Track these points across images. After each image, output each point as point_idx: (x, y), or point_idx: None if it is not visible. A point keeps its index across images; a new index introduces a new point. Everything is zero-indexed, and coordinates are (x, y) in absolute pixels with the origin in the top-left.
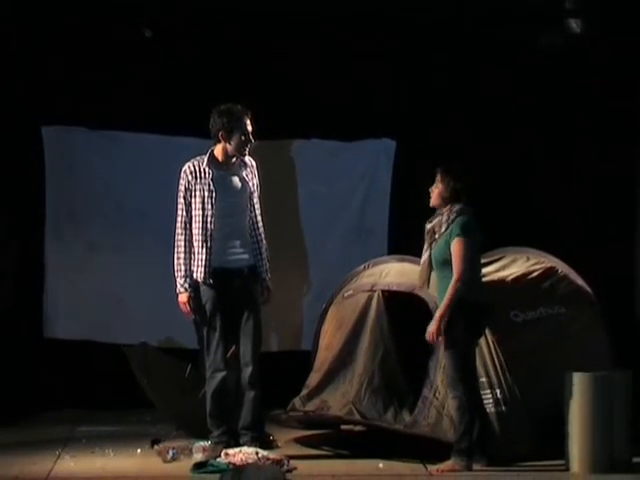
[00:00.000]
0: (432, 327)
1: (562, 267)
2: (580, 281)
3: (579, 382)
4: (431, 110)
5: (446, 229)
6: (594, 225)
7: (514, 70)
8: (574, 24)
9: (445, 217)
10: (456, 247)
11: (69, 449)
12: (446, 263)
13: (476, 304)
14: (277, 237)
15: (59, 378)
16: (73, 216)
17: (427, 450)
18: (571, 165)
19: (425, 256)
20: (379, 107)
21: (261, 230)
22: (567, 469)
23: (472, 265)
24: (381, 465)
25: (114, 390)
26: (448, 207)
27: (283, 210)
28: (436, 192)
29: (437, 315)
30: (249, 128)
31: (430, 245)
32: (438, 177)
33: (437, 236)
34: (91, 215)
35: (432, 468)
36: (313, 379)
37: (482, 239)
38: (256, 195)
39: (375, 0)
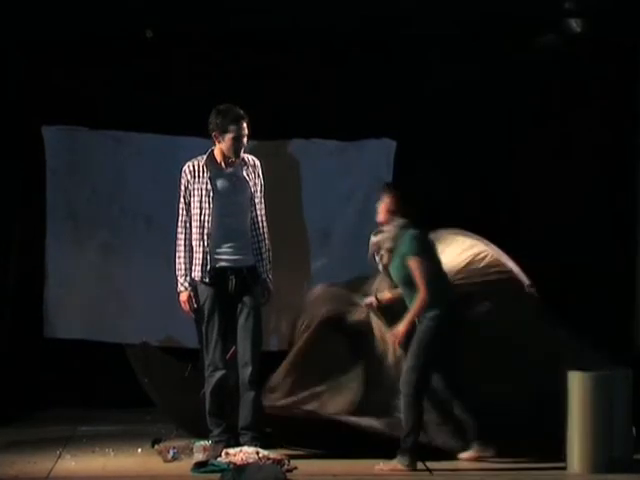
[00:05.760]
0: (398, 332)
1: (493, 251)
2: (512, 265)
3: (579, 381)
4: (431, 110)
5: (392, 246)
6: (594, 224)
7: (514, 70)
8: (574, 24)
9: (387, 234)
10: (413, 266)
11: (70, 448)
12: (406, 281)
13: (443, 315)
14: (278, 237)
15: (60, 378)
16: (73, 216)
17: (429, 451)
18: (571, 164)
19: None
20: (379, 107)
21: (262, 230)
22: (567, 468)
23: (434, 278)
24: (381, 464)
25: (115, 389)
26: (393, 223)
27: (284, 210)
28: (382, 207)
29: (401, 327)
30: (242, 132)
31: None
32: (384, 192)
33: (382, 252)
34: (92, 215)
35: (377, 466)
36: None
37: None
38: (258, 195)
39: (375, 3)
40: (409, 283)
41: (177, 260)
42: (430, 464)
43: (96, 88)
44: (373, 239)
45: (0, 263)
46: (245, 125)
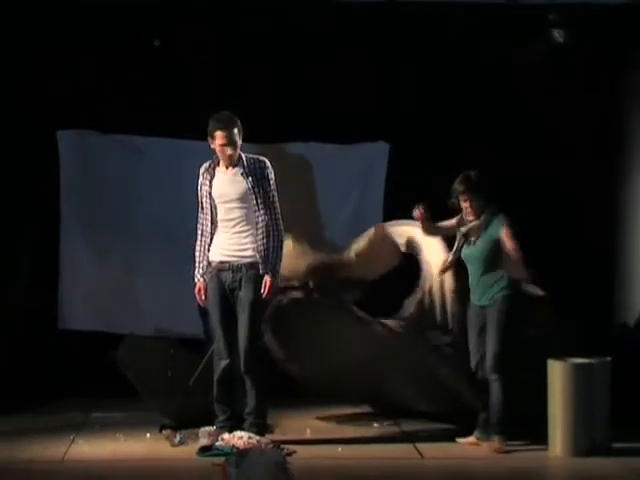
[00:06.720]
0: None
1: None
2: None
3: (561, 370)
4: (427, 113)
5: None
6: (576, 222)
7: (509, 75)
8: (557, 34)
9: (476, 223)
10: (508, 235)
11: (83, 434)
12: (487, 260)
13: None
14: None
15: (74, 367)
16: (86, 215)
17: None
18: (569, 165)
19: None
20: (375, 110)
21: (269, 229)
22: (549, 452)
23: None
24: (376, 449)
25: (125, 378)
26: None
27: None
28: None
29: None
30: (223, 140)
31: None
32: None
33: (472, 238)
34: (105, 214)
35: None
36: None
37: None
38: (261, 195)
39: (374, 4)
40: (486, 261)
41: (195, 254)
42: (419, 446)
43: (107, 92)
44: (462, 230)
45: (16, 256)
46: (225, 134)
